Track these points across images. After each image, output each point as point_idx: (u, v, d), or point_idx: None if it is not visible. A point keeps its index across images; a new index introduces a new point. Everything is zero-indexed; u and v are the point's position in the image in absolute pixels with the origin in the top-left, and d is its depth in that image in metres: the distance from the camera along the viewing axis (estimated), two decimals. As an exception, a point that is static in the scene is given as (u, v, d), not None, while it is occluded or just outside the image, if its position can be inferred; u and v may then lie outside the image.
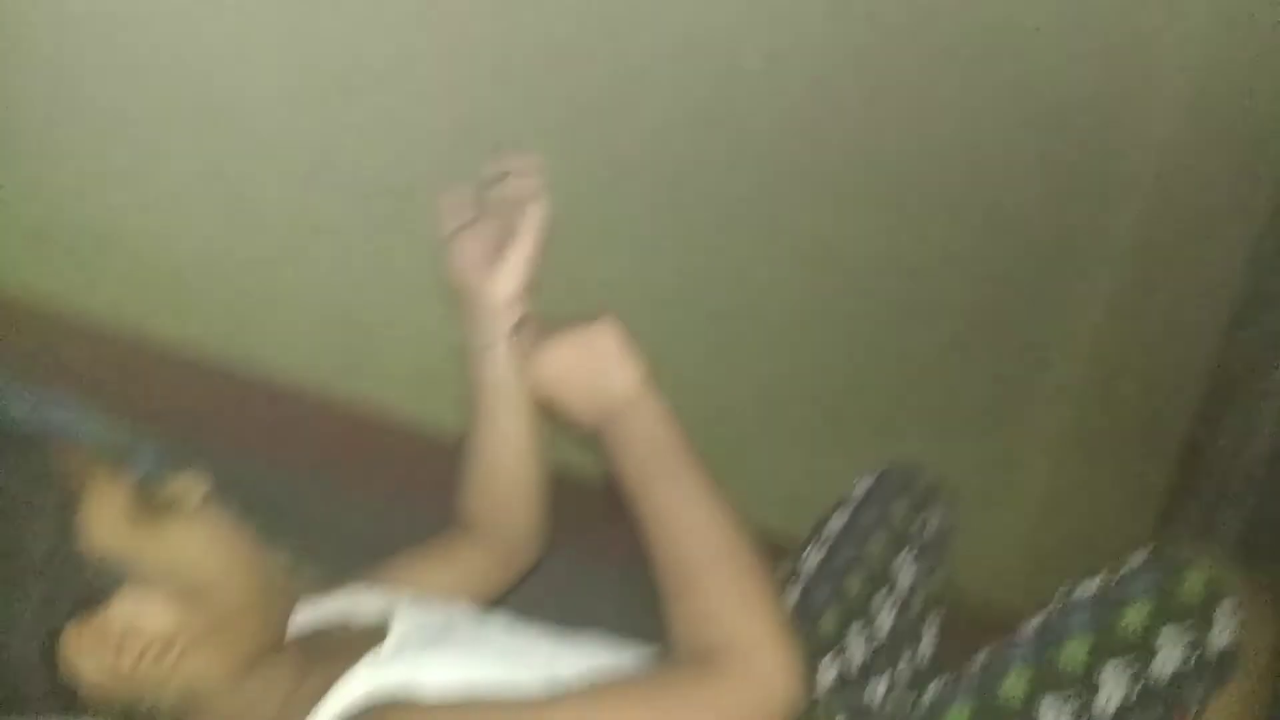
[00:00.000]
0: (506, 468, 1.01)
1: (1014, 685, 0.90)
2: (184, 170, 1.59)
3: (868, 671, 1.07)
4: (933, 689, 0.95)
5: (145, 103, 1.56)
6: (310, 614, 0.88)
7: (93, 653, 0.67)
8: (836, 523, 1.17)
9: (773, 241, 1.73)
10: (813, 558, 1.14)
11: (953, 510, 1.21)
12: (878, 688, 1.06)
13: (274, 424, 1.65)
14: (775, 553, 1.13)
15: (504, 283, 0.92)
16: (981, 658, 0.95)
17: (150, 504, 0.72)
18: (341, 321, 1.69)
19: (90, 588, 0.67)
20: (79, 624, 0.67)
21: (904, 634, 1.11)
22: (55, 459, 0.69)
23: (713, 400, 1.69)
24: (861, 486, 1.19)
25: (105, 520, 0.69)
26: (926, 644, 1.14)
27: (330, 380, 1.69)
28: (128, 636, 0.69)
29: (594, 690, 0.71)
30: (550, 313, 0.91)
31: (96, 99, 1.55)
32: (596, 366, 0.84)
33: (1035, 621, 0.96)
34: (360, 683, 0.73)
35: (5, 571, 0.65)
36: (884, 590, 1.11)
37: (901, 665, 1.10)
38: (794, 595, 1.11)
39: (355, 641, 0.80)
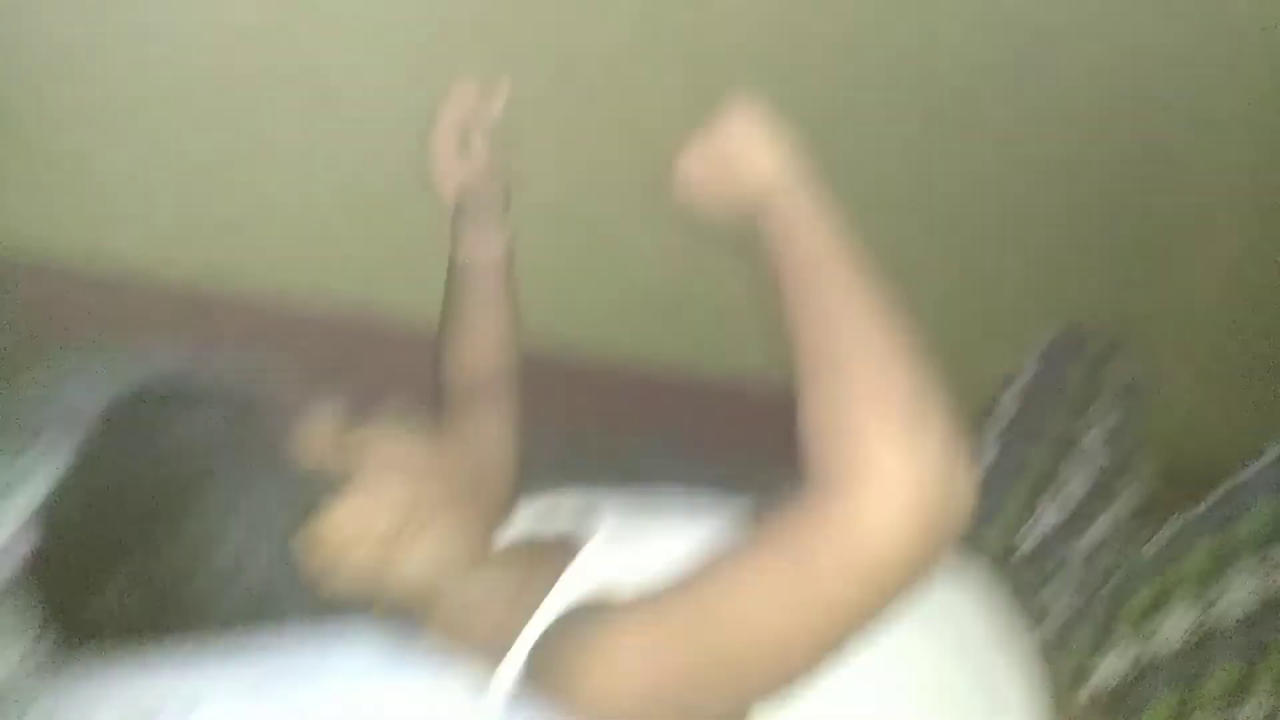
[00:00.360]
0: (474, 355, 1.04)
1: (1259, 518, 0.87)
2: (286, 140, 1.60)
3: (1065, 535, 1.04)
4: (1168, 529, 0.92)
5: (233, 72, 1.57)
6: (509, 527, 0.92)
7: (332, 545, 0.74)
8: (1012, 394, 1.13)
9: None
10: (992, 430, 1.11)
11: (1137, 366, 1.15)
12: (1077, 550, 1.03)
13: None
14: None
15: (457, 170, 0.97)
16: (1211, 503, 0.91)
17: (350, 429, 0.80)
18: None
19: (317, 493, 0.75)
20: (316, 523, 0.74)
21: (1099, 495, 1.08)
22: (263, 400, 0.79)
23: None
24: (1035, 352, 1.15)
25: (317, 439, 0.77)
26: (1124, 503, 1.10)
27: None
28: (361, 529, 0.75)
29: (717, 565, 0.66)
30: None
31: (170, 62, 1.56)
32: (732, 157, 0.77)
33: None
34: (570, 584, 0.76)
35: (243, 480, 0.72)
36: (1072, 457, 1.07)
37: (1100, 524, 1.07)
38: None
39: (563, 544, 0.83)
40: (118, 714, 0.63)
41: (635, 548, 0.78)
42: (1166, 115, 1.76)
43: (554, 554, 0.82)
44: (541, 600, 0.75)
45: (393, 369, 1.60)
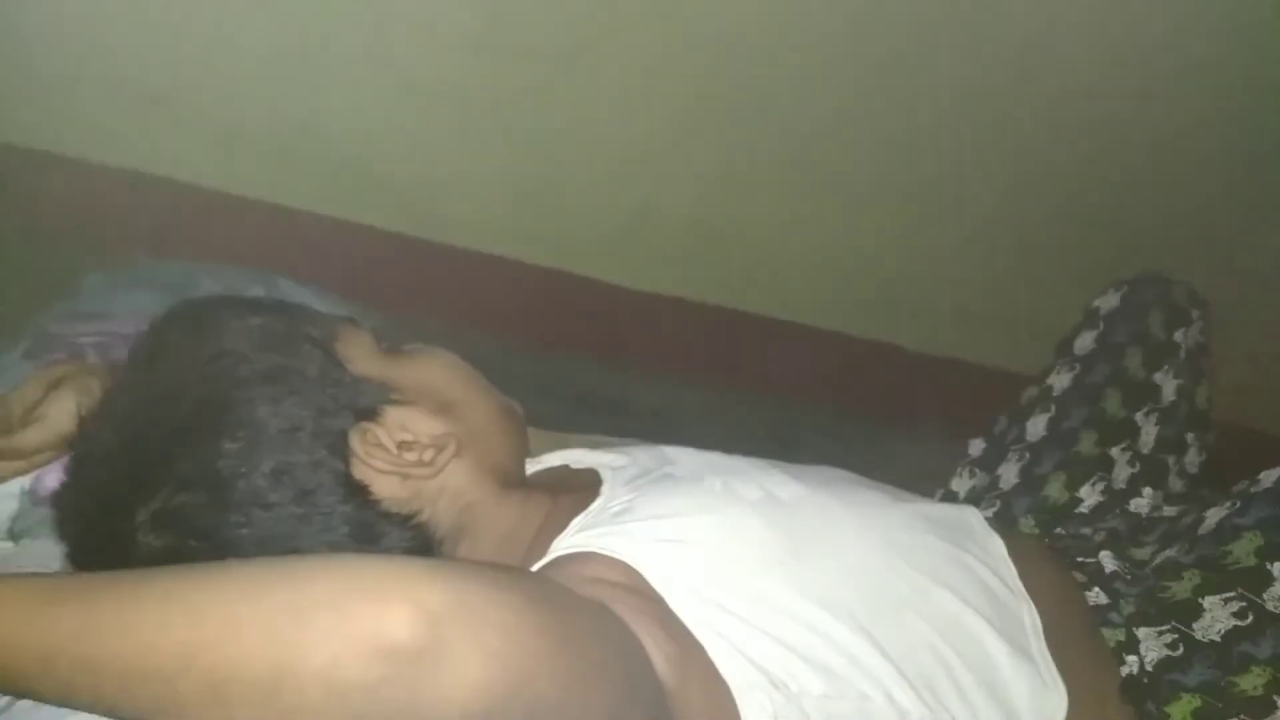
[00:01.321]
0: None
1: None
2: (348, 53, 1.58)
3: (1136, 483, 1.01)
4: (1214, 513, 0.88)
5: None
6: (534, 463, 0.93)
7: (375, 453, 0.73)
8: (1085, 341, 1.10)
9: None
10: (1062, 379, 1.09)
11: (1210, 320, 1.12)
12: (1144, 501, 1.00)
13: (468, 292, 1.67)
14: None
15: None
16: (1270, 477, 0.87)
17: (391, 348, 0.81)
18: (519, 191, 1.69)
19: (361, 401, 0.75)
20: (360, 431, 0.74)
21: (1170, 443, 1.05)
22: (304, 313, 0.80)
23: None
24: (1109, 301, 1.11)
25: (359, 351, 0.78)
26: (1193, 455, 1.08)
27: (516, 247, 1.71)
28: (403, 441, 0.75)
29: None
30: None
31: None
32: None
33: None
34: (577, 525, 0.76)
35: (288, 385, 0.72)
36: (1146, 407, 1.04)
37: (1171, 478, 1.04)
38: (1043, 420, 1.06)
39: (583, 480, 0.85)
40: None
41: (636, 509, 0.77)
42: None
43: (582, 484, 0.83)
44: (568, 524, 0.76)
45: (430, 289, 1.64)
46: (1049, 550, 0.92)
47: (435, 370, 0.81)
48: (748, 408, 1.58)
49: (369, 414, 0.75)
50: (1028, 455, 1.06)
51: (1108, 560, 0.88)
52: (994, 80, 1.60)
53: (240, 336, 0.74)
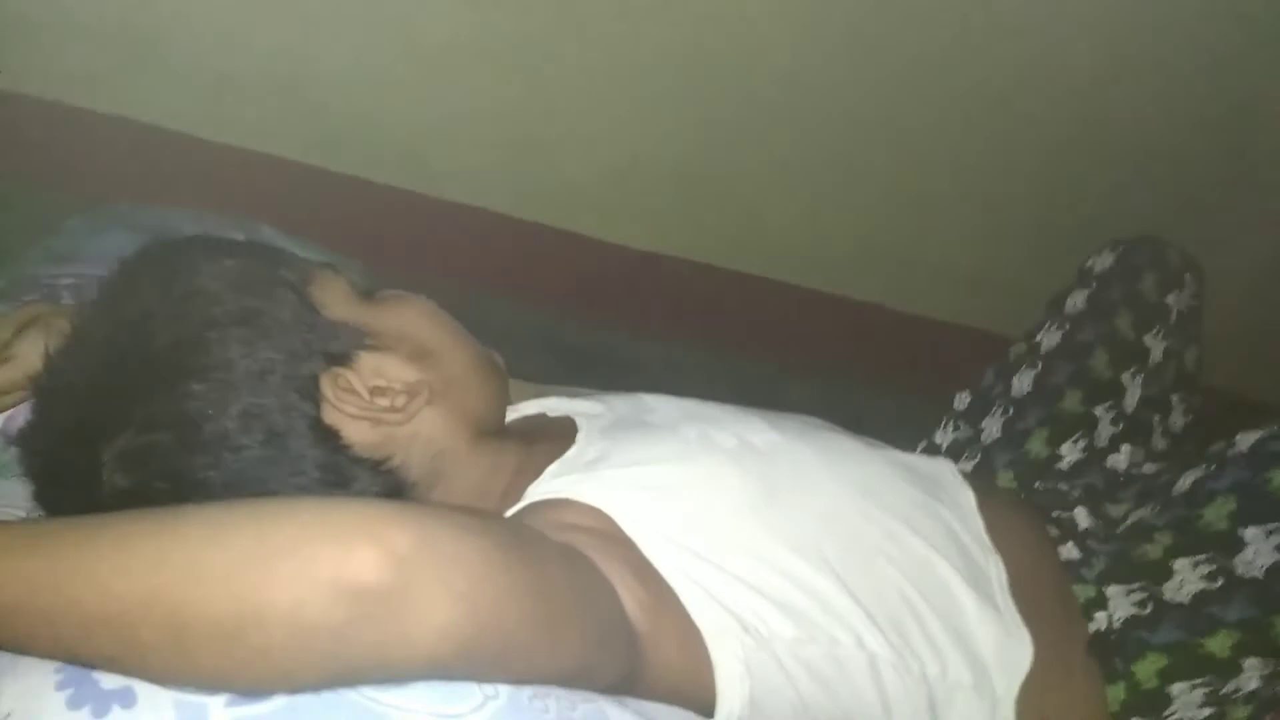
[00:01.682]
0: None
1: None
2: (340, 2, 1.56)
3: (1118, 442, 1.02)
4: (1189, 475, 0.88)
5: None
6: (513, 410, 0.93)
7: (347, 398, 0.72)
8: (1077, 300, 1.09)
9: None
10: (1051, 337, 1.09)
11: (1202, 285, 1.11)
12: (1123, 458, 1.00)
13: (455, 245, 1.67)
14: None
15: None
16: (1245, 441, 0.87)
17: (369, 295, 0.80)
18: (510, 141, 1.67)
19: (334, 346, 0.74)
20: (332, 375, 0.73)
21: (1155, 404, 1.05)
22: (281, 256, 0.78)
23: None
24: (1103, 261, 1.10)
25: (335, 297, 0.76)
26: (1177, 416, 1.08)
27: (505, 200, 1.70)
28: (375, 386, 0.74)
29: None
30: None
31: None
32: None
33: None
34: (551, 472, 0.77)
35: (260, 328, 0.70)
36: (1133, 368, 1.04)
37: (1155, 437, 1.04)
38: (1029, 376, 1.07)
39: (559, 429, 0.85)
40: None
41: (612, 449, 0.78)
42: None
43: (556, 433, 0.83)
44: (540, 473, 0.77)
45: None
46: (1024, 504, 0.93)
47: (412, 317, 0.80)
48: (731, 364, 1.58)
49: (342, 359, 0.74)
50: (1011, 410, 1.06)
51: (1082, 516, 0.88)
52: (983, 38, 1.59)
53: (213, 277, 0.72)
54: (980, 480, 0.90)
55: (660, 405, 0.88)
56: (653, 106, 1.65)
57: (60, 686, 0.56)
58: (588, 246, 1.72)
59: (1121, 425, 1.02)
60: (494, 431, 0.83)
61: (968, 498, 0.84)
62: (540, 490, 0.74)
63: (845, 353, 1.75)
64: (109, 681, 0.56)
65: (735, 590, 0.69)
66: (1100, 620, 0.80)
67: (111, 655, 0.53)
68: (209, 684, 0.53)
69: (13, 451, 0.82)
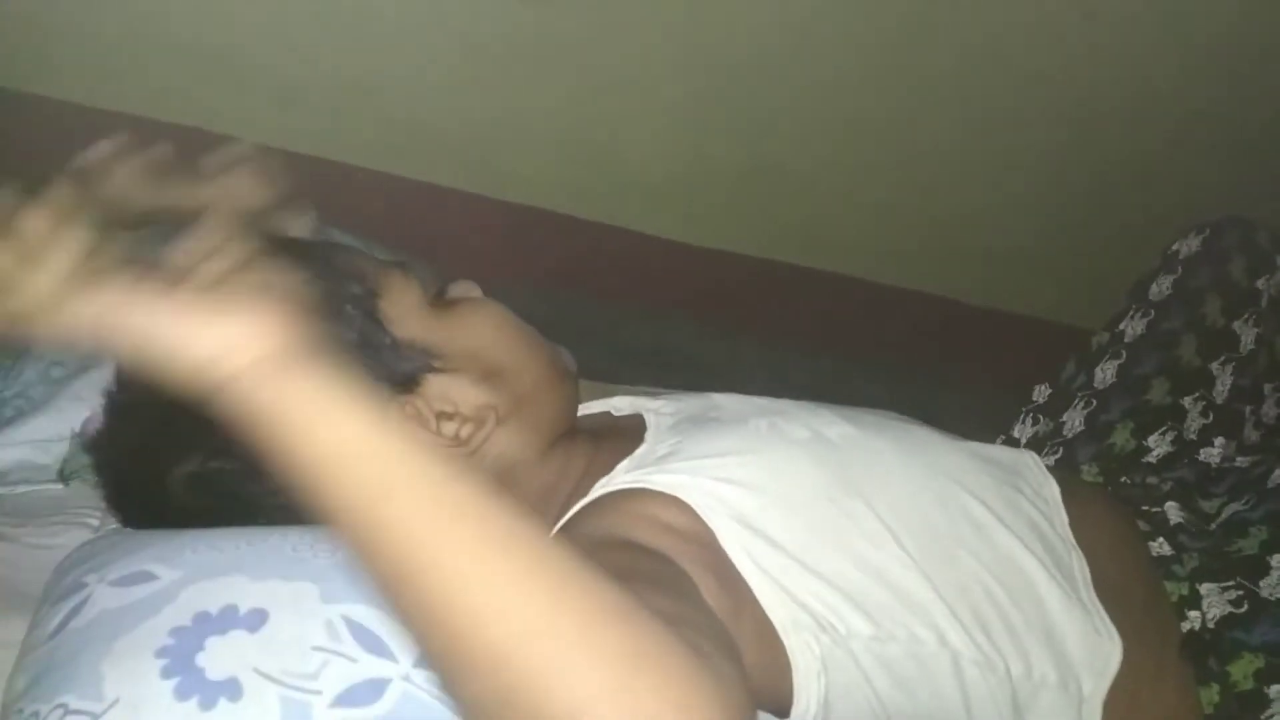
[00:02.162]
0: None
1: None
2: (401, 9, 1.57)
3: (1208, 434, 0.98)
4: None
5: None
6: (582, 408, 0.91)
7: (416, 429, 0.65)
8: (1162, 286, 1.06)
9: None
10: (1136, 325, 1.05)
11: None
12: (1215, 451, 0.96)
13: (520, 245, 1.67)
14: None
15: None
16: None
17: (439, 300, 0.79)
18: (573, 141, 1.67)
19: (401, 369, 0.73)
20: (399, 404, 0.72)
21: (1246, 394, 1.00)
22: (353, 264, 0.77)
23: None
24: (1189, 245, 1.06)
25: (405, 308, 0.75)
26: (1270, 407, 1.03)
27: (569, 201, 1.70)
28: (444, 414, 0.73)
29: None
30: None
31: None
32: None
33: None
34: (624, 467, 0.75)
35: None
36: (1223, 356, 1.00)
37: (1246, 428, 1.00)
38: (1113, 367, 1.03)
39: (627, 427, 0.84)
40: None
41: (682, 444, 0.76)
42: None
43: (623, 433, 0.82)
44: (607, 473, 0.75)
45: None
46: (1111, 498, 0.89)
47: (483, 330, 0.79)
48: (799, 361, 1.56)
49: (409, 384, 0.73)
50: (1094, 402, 1.03)
51: (1173, 511, 0.84)
52: (1048, 27, 1.55)
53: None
54: (1065, 473, 0.87)
55: (728, 402, 0.87)
56: (714, 102, 1.63)
57: (165, 674, 0.56)
58: (652, 244, 1.71)
59: (1211, 416, 0.98)
60: (564, 435, 0.82)
61: (1052, 490, 0.82)
62: (615, 483, 0.73)
63: (917, 348, 1.72)
64: (215, 672, 0.57)
65: (812, 584, 0.67)
66: (1194, 619, 0.76)
67: (431, 651, 0.46)
68: None
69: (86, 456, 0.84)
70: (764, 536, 0.68)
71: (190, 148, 1.57)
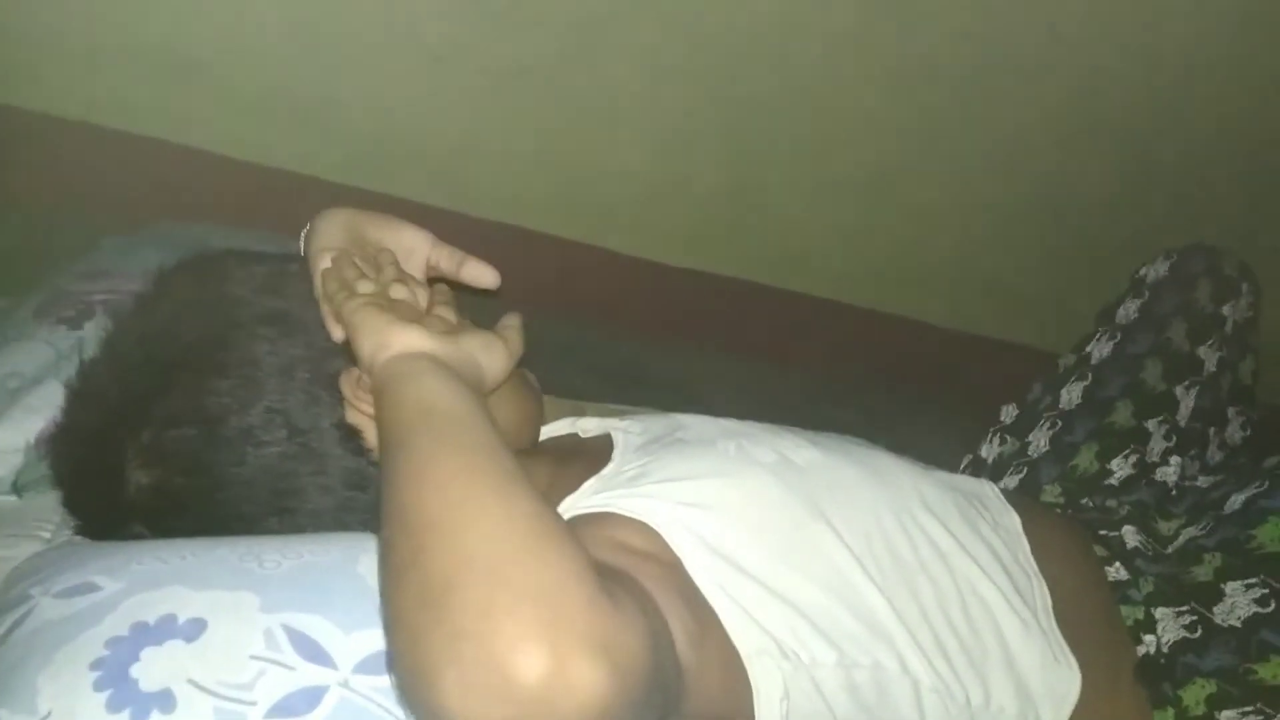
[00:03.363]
0: None
1: None
2: (374, 24, 1.57)
3: (1168, 456, 0.98)
4: (1243, 493, 0.84)
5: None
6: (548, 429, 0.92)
7: (365, 398, 0.70)
8: (1129, 310, 1.07)
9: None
10: (1102, 348, 1.06)
11: (1258, 295, 1.08)
12: (1172, 470, 0.97)
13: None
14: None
15: None
16: None
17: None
18: (547, 159, 1.67)
19: (345, 362, 0.72)
20: (352, 376, 0.71)
21: (1209, 415, 1.01)
22: (302, 260, 0.77)
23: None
24: (1157, 270, 1.08)
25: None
26: (1234, 430, 1.04)
27: (542, 219, 1.69)
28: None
29: None
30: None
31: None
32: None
33: None
34: (590, 488, 0.75)
35: (286, 326, 0.71)
36: (1187, 380, 1.01)
37: (1210, 449, 1.01)
38: (1079, 389, 1.04)
39: (593, 447, 0.84)
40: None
41: (650, 466, 0.76)
42: None
43: (586, 454, 0.82)
44: (571, 492, 0.75)
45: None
46: (1070, 523, 0.89)
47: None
48: (770, 381, 1.56)
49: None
50: (1060, 423, 1.03)
51: (1130, 535, 0.85)
52: (1035, 55, 1.57)
53: (242, 282, 0.74)
54: (1024, 500, 0.87)
55: (694, 423, 0.87)
56: (689, 124, 1.64)
57: (99, 686, 0.56)
58: (624, 264, 1.71)
59: (1175, 439, 0.98)
60: (525, 450, 0.82)
61: (1012, 520, 0.82)
62: (583, 504, 0.72)
63: (887, 369, 1.73)
64: (148, 683, 0.56)
65: (776, 610, 0.66)
66: (1149, 643, 0.76)
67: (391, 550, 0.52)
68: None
69: (44, 466, 0.83)
70: (730, 561, 0.68)
71: (155, 159, 1.58)
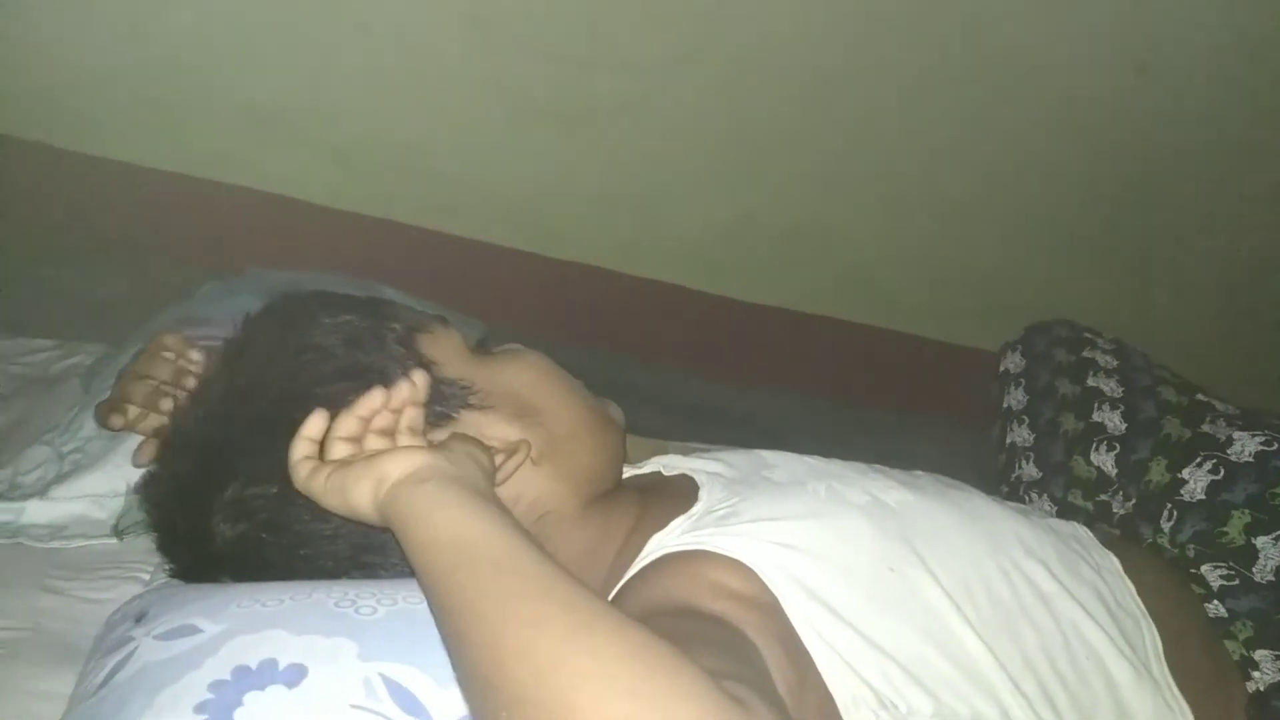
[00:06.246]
0: None
1: None
2: (454, 72, 1.60)
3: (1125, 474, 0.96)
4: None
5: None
6: (631, 469, 0.90)
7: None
8: (1017, 396, 1.10)
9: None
10: (1020, 433, 1.07)
11: (1102, 334, 1.12)
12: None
13: (570, 302, 1.69)
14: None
15: None
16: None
17: (481, 349, 0.79)
18: (621, 199, 1.69)
19: (437, 404, 0.72)
20: (433, 431, 0.71)
21: (1143, 426, 0.99)
22: (394, 310, 0.79)
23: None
24: (1014, 361, 1.13)
25: (446, 352, 0.76)
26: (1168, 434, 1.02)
27: (617, 258, 1.71)
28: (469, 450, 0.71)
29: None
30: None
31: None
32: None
33: None
34: (680, 527, 0.73)
35: (367, 384, 0.68)
36: (1103, 405, 1.00)
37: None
38: (1030, 468, 1.05)
39: (678, 485, 0.81)
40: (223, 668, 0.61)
41: (740, 506, 0.74)
42: None
43: (672, 493, 0.80)
44: (654, 534, 0.73)
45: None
46: (1167, 563, 0.86)
47: (521, 373, 0.79)
48: (845, 415, 1.54)
49: (444, 417, 0.73)
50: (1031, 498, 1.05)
51: (1210, 573, 0.81)
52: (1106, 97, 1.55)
53: (327, 332, 0.74)
54: (1116, 539, 0.84)
55: (782, 462, 0.85)
56: (755, 160, 1.65)
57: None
58: (700, 301, 1.72)
59: (1122, 455, 0.97)
60: (608, 489, 0.81)
61: (1111, 560, 0.79)
62: (673, 541, 0.71)
63: (965, 402, 1.70)
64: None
65: (873, 658, 0.65)
66: (1257, 679, 0.73)
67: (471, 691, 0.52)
68: None
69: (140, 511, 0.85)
70: (827, 606, 0.66)
71: (247, 208, 1.63)
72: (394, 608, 0.65)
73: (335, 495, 0.62)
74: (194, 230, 1.57)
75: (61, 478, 0.97)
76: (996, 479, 1.11)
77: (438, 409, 0.73)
